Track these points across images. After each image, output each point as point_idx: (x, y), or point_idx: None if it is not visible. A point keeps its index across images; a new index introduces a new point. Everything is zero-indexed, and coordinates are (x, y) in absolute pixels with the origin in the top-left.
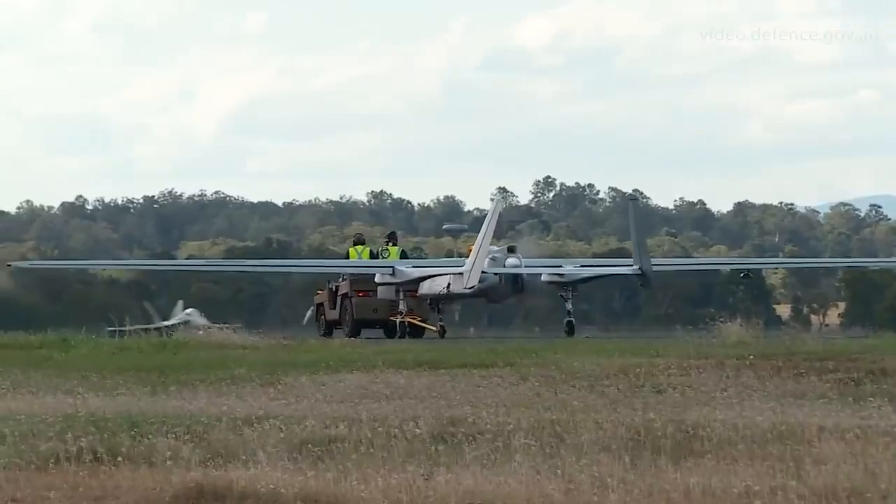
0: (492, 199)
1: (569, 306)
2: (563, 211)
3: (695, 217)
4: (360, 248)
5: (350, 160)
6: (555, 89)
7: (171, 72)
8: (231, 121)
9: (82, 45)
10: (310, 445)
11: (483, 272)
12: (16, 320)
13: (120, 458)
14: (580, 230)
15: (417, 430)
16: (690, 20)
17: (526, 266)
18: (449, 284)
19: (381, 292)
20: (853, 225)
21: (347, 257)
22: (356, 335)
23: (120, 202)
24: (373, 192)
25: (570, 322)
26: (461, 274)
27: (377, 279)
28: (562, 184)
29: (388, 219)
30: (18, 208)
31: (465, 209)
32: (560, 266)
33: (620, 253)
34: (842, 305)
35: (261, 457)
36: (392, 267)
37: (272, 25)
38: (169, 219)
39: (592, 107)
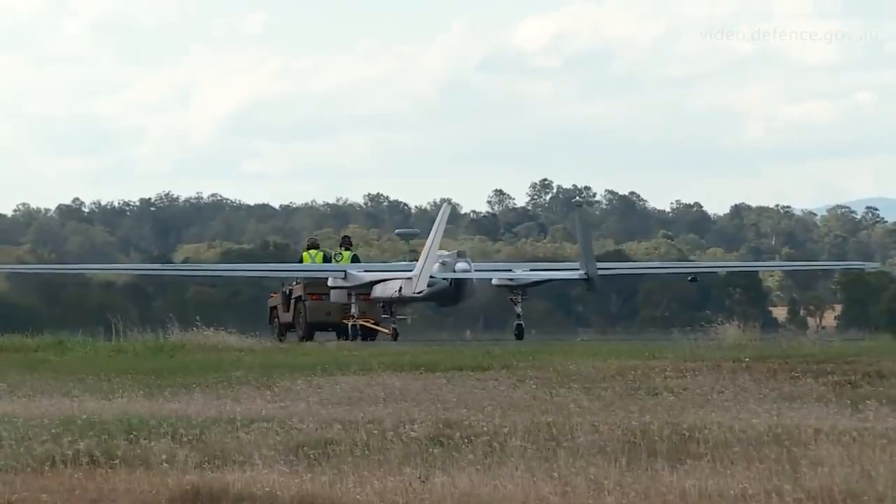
0: (488, 202)
1: (518, 310)
2: (560, 213)
3: (691, 220)
4: (313, 251)
5: (347, 162)
6: (553, 91)
7: (169, 73)
8: (228, 122)
9: (80, 47)
10: (306, 448)
11: (432, 277)
12: (12, 323)
13: (116, 461)
14: (577, 233)
15: (413, 432)
16: (688, 22)
17: (476, 270)
18: (401, 288)
19: (334, 296)
20: (850, 227)
21: (301, 261)
22: (309, 338)
23: (116, 205)
24: (369, 194)
25: (519, 325)
26: (412, 278)
27: (330, 283)
28: (559, 186)
29: (384, 221)
30: (15, 210)
31: (462, 211)
32: (510, 270)
33: (618, 255)
34: (838, 308)
35: (257, 459)
36: (344, 271)
37: (270, 27)
38: (166, 221)
39: (590, 109)
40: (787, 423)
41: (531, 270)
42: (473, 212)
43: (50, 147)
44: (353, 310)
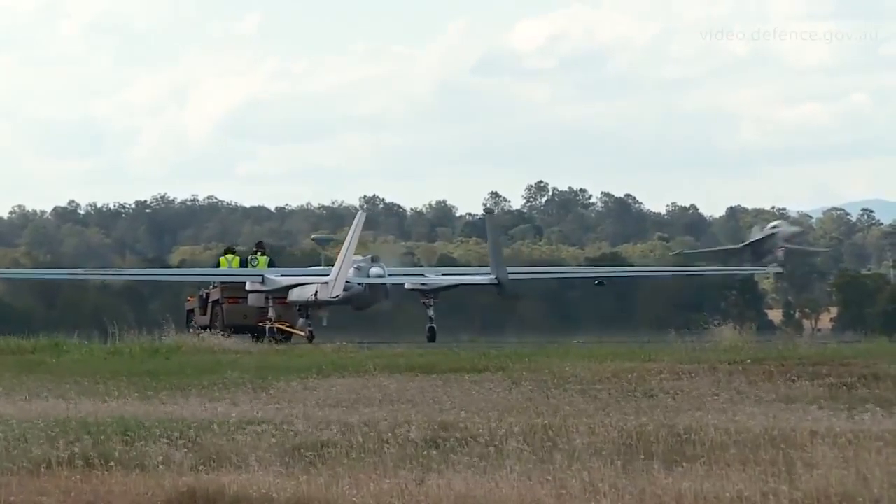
0: (484, 205)
1: (430, 313)
2: (556, 216)
3: (687, 222)
4: (230, 256)
5: (343, 164)
6: (549, 93)
7: (165, 75)
8: (224, 124)
9: (76, 48)
10: (302, 450)
11: (348, 281)
12: (8, 325)
13: (112, 463)
14: (573, 235)
15: (410, 434)
16: (684, 23)
17: (389, 275)
18: (317, 292)
19: (252, 299)
20: (845, 229)
21: (218, 266)
22: None
23: (112, 207)
24: (365, 196)
25: (431, 328)
26: (328, 283)
27: (248, 287)
28: (554, 188)
29: (379, 224)
30: (11, 213)
31: (457, 214)
32: (422, 275)
33: (614, 258)
34: (834, 310)
35: (253, 461)
36: (262, 275)
37: (266, 29)
38: (161, 224)
39: (586, 110)
40: (783, 425)
41: (443, 275)
42: (469, 214)
43: (46, 149)
44: (270, 313)
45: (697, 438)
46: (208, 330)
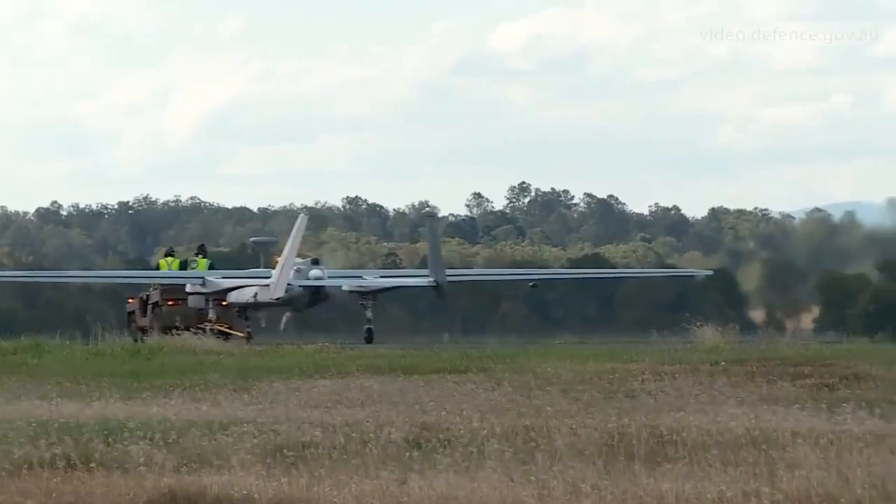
0: (467, 205)
1: (368, 314)
2: (539, 217)
3: (669, 223)
4: (169, 259)
5: (325, 165)
6: (531, 94)
7: (147, 76)
8: (207, 125)
9: (57, 50)
10: (283, 451)
11: (288, 284)
12: None
13: (93, 464)
14: (555, 236)
15: (391, 435)
16: (666, 25)
17: (329, 277)
18: (256, 294)
19: (192, 301)
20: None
21: (158, 268)
22: None
23: (94, 208)
24: (347, 197)
25: (369, 329)
26: (268, 285)
27: (188, 289)
28: (537, 189)
29: (362, 224)
30: None
31: (440, 214)
32: (361, 277)
33: (595, 259)
34: (815, 310)
35: (234, 462)
36: (202, 278)
37: (249, 30)
38: (144, 225)
39: (568, 112)
40: (765, 425)
41: (381, 277)
42: (452, 215)
43: (28, 150)
44: (210, 314)
45: (679, 439)
46: (146, 331)
